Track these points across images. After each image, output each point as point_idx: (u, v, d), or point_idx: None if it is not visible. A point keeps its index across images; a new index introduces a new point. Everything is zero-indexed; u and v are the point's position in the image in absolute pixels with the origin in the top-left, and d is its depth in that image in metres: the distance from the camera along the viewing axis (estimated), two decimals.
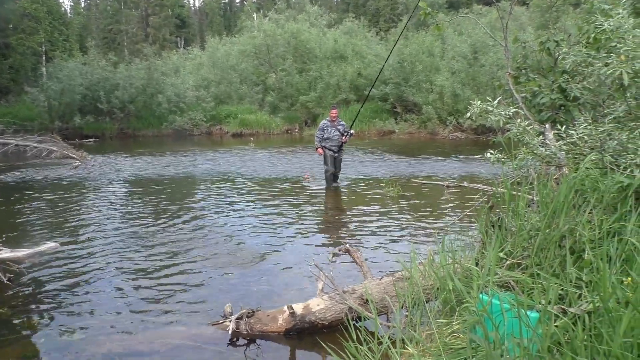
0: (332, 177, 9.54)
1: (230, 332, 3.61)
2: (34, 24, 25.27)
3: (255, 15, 38.57)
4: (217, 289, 4.64)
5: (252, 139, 21.22)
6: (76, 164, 13.59)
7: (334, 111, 9.31)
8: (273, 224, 6.92)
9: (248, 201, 8.55)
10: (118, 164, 13.80)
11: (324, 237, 6.36)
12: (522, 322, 1.81)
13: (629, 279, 1.67)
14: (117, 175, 11.64)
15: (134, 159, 14.64)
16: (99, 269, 5.21)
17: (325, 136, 9.26)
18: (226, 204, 8.33)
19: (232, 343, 3.62)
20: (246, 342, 3.64)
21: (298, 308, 3.72)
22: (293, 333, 3.67)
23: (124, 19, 49.00)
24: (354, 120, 9.85)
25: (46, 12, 26.88)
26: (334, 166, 9.45)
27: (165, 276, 4.99)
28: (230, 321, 3.67)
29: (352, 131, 9.40)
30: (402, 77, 21.74)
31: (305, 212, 7.64)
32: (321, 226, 6.95)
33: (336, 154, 9.33)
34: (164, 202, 8.55)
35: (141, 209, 8.04)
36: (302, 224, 6.94)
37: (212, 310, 4.13)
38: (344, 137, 9.18)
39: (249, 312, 3.75)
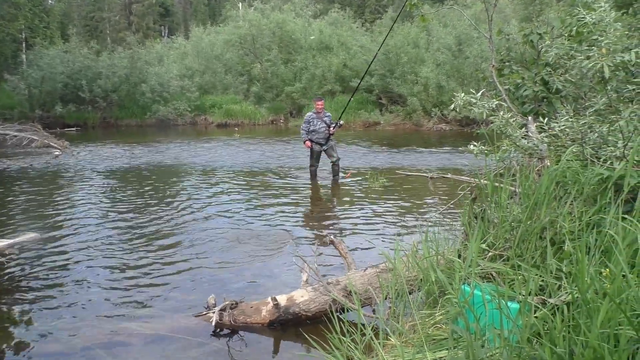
0: (331, 170, 9.29)
1: (213, 323, 3.60)
2: (14, 10, 24.70)
3: (240, 4, 38.21)
4: (200, 281, 4.62)
5: (236, 129, 21.08)
6: (57, 153, 13.39)
7: (319, 102, 9.01)
8: (257, 216, 6.90)
9: (232, 192, 8.50)
10: (100, 153, 13.62)
11: (309, 229, 6.36)
12: (503, 313, 1.82)
13: (607, 270, 1.70)
14: (99, 165, 11.49)
15: (117, 149, 14.46)
16: (80, 260, 5.15)
17: (311, 129, 8.93)
18: (210, 195, 8.28)
19: (215, 334, 3.61)
20: (229, 333, 3.63)
21: (282, 299, 3.72)
22: (277, 324, 3.67)
23: (106, 6, 48.17)
24: (342, 111, 9.68)
25: None
26: (329, 156, 9.13)
27: (148, 267, 4.95)
28: (214, 312, 3.66)
29: (341, 122, 9.16)
30: (387, 69, 21.75)
31: (289, 204, 7.63)
32: (306, 218, 6.94)
33: (323, 147, 9.04)
34: (147, 193, 8.47)
35: (123, 200, 7.96)
36: (286, 215, 6.93)
37: (196, 301, 4.11)
38: (331, 129, 8.91)
39: (232, 304, 3.74)
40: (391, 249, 4.26)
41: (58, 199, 8.08)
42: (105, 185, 9.25)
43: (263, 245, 5.61)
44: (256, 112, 23.41)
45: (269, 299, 3.70)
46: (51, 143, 14.50)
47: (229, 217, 6.81)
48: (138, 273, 4.81)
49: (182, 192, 8.59)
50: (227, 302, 3.74)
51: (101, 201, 7.88)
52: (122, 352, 3.41)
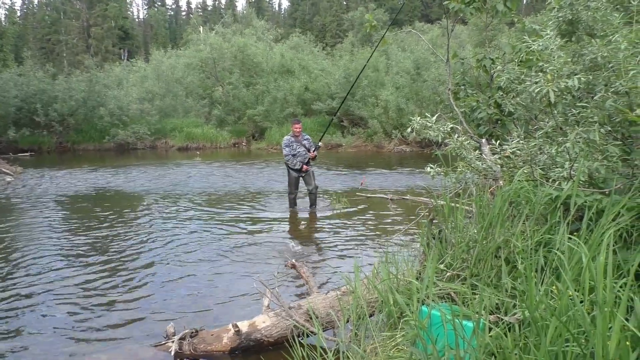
0: (309, 199, 8.69)
1: (172, 353, 3.50)
2: None
3: (201, 28, 38.17)
4: (159, 309, 4.50)
5: (198, 152, 20.87)
6: (9, 179, 12.89)
7: (297, 125, 8.36)
8: (218, 241, 6.80)
9: (193, 216, 8.37)
10: (55, 179, 13.19)
11: (270, 254, 6.30)
12: (457, 333, 1.85)
13: (555, 288, 1.75)
14: (54, 191, 11.12)
15: (73, 174, 14.04)
16: (32, 289, 4.94)
17: (292, 153, 8.29)
18: (169, 219, 8.12)
19: None
20: None
21: (243, 326, 3.67)
22: (238, 352, 3.61)
23: (63, 29, 47.34)
24: (323, 133, 9.18)
25: None
26: (306, 184, 8.54)
27: (104, 296, 4.79)
28: (173, 342, 3.56)
29: (320, 144, 8.50)
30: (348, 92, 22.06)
31: (250, 228, 7.56)
32: (267, 242, 6.89)
33: (302, 173, 8.41)
34: (104, 219, 8.23)
35: (78, 226, 7.71)
36: (246, 239, 6.86)
37: (154, 331, 4.00)
38: (312, 152, 8.30)
39: (192, 332, 3.66)
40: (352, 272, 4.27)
41: (9, 225, 7.75)
42: (58, 212, 8.95)
43: (225, 271, 5.53)
44: (218, 135, 23.25)
45: (230, 326, 3.64)
46: (2, 169, 13.96)
47: (192, 243, 6.68)
48: (93, 303, 4.64)
49: (140, 218, 8.40)
50: (187, 331, 3.65)
51: (54, 228, 7.61)
52: None
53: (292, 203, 8.73)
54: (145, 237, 6.99)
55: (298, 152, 8.28)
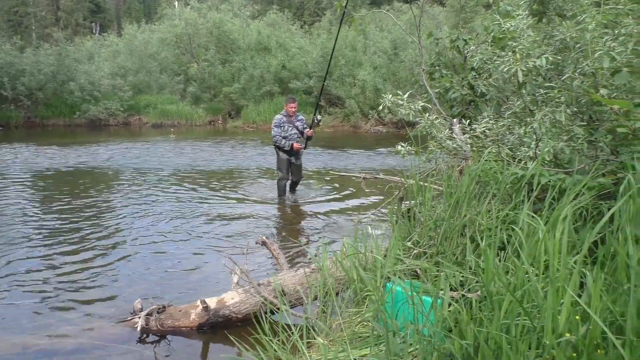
0: (289, 185, 7.98)
1: (139, 329, 3.48)
2: None
3: (176, 3, 37.30)
4: (127, 287, 4.45)
5: (172, 130, 20.56)
6: None
7: (292, 104, 7.47)
8: (189, 220, 6.74)
9: (165, 195, 8.26)
10: (22, 154, 12.85)
11: (242, 232, 6.27)
12: (417, 308, 1.88)
13: (513, 264, 1.78)
14: (19, 168, 10.84)
15: (42, 150, 13.68)
16: None
17: (282, 134, 7.53)
18: (141, 198, 8.00)
19: (141, 340, 3.49)
20: (157, 339, 3.52)
21: (212, 302, 3.66)
22: (206, 328, 3.60)
23: (31, 1, 45.63)
24: (315, 109, 8.82)
25: None
26: (293, 174, 7.84)
27: (70, 274, 4.71)
28: (140, 318, 3.53)
29: (319, 116, 7.59)
30: (325, 71, 21.92)
31: (223, 206, 7.51)
32: (239, 220, 6.85)
33: (292, 158, 7.69)
34: (72, 197, 8.07)
35: (45, 205, 7.54)
36: (219, 218, 6.82)
37: (121, 308, 3.96)
38: (308, 130, 7.54)
39: (159, 308, 3.64)
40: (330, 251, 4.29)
41: None
42: (27, 188, 8.74)
43: (195, 249, 5.50)
44: (193, 113, 22.92)
45: (198, 302, 3.63)
46: None
47: (162, 222, 6.61)
48: (59, 280, 4.57)
49: (111, 197, 8.26)
50: (154, 307, 3.62)
51: (21, 205, 7.44)
52: None
53: (282, 191, 7.84)
54: (115, 216, 6.89)
55: (290, 135, 7.51)
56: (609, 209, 2.18)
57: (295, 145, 7.46)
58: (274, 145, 7.70)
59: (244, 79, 23.26)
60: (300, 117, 7.77)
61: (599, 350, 1.43)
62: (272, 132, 7.57)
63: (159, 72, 25.34)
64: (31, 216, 6.80)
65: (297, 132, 7.58)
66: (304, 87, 22.31)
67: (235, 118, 23.15)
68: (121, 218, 6.69)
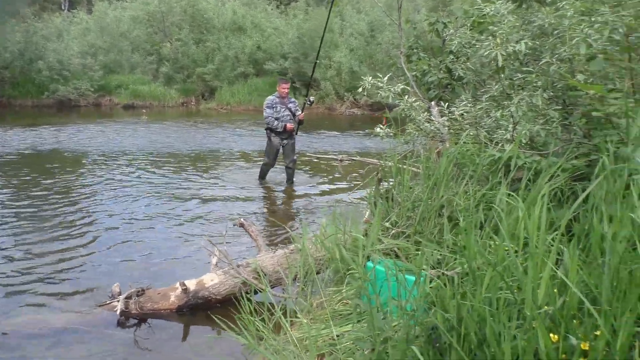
0: (286, 176, 7.77)
1: (118, 312, 3.46)
2: None
3: None
4: (105, 271, 4.41)
5: (145, 111, 20.15)
6: None
7: (285, 85, 7.31)
8: (166, 203, 6.68)
9: (139, 178, 8.14)
10: None
11: (220, 215, 6.25)
12: (400, 284, 1.93)
13: (493, 242, 1.84)
14: None
15: (7, 131, 13.28)
16: None
17: (274, 116, 7.33)
18: (114, 181, 7.86)
19: (120, 324, 3.48)
20: (136, 322, 3.52)
21: (191, 284, 3.66)
22: (186, 310, 3.61)
23: None
24: (307, 89, 8.46)
25: None
26: (286, 155, 7.62)
27: (47, 258, 4.63)
28: (118, 301, 3.51)
29: (312, 98, 7.62)
30: (301, 52, 21.75)
31: (200, 189, 7.46)
32: (216, 202, 6.82)
33: (285, 141, 7.48)
34: (42, 180, 7.89)
35: (13, 190, 7.36)
36: (196, 201, 6.77)
37: (100, 292, 3.92)
38: (299, 114, 7.45)
39: (138, 291, 3.62)
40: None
41: None
42: None
43: (172, 233, 5.46)
44: (166, 94, 22.47)
45: (178, 284, 3.63)
46: None
47: (138, 206, 6.53)
48: (36, 264, 4.48)
49: (83, 180, 8.10)
50: (133, 290, 3.61)
51: None
52: (16, 351, 3.18)
53: (263, 175, 7.84)
54: (89, 200, 6.77)
55: (282, 116, 7.32)
56: (582, 190, 2.26)
57: (289, 125, 7.31)
58: (265, 128, 7.53)
59: (218, 59, 22.89)
60: (293, 99, 7.63)
61: (575, 321, 1.53)
62: (265, 113, 7.39)
63: (130, 51, 24.69)
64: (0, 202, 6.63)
65: (289, 113, 7.39)
66: (279, 68, 22.10)
67: (209, 99, 22.81)
68: (95, 203, 6.56)
